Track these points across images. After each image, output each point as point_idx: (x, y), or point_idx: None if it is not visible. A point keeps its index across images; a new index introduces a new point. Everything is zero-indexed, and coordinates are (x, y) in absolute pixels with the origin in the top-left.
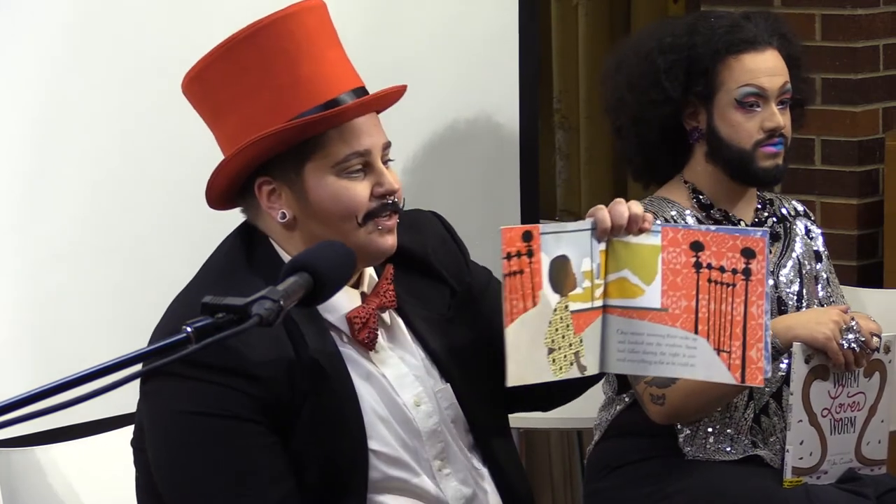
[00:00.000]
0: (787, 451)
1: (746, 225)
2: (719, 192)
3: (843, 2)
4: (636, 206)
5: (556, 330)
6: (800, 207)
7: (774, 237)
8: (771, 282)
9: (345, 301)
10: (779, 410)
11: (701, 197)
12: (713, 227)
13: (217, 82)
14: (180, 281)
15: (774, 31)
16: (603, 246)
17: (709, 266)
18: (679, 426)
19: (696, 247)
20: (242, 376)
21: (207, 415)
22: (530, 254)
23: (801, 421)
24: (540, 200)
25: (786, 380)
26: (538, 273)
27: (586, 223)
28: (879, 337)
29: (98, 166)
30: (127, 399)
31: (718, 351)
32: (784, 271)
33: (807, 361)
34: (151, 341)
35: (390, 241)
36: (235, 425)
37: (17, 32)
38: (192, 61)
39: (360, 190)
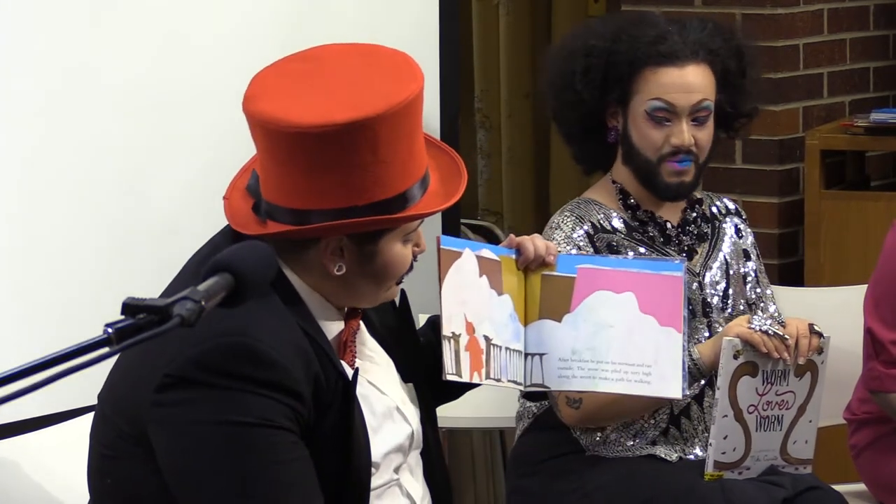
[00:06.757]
0: (711, 444)
1: (673, 226)
2: (643, 193)
3: (764, 1)
4: (540, 241)
5: None
6: (731, 206)
7: (701, 238)
8: (696, 284)
9: (333, 322)
10: (700, 414)
11: (628, 199)
12: (631, 264)
13: (333, 145)
14: (158, 280)
15: (703, 45)
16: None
17: None
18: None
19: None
20: (284, 390)
21: (252, 425)
22: None
23: (726, 416)
24: (462, 200)
25: (709, 383)
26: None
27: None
28: (822, 335)
29: (87, 160)
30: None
31: None
32: (710, 273)
33: (735, 357)
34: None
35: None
36: (280, 437)
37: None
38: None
39: (409, 254)
